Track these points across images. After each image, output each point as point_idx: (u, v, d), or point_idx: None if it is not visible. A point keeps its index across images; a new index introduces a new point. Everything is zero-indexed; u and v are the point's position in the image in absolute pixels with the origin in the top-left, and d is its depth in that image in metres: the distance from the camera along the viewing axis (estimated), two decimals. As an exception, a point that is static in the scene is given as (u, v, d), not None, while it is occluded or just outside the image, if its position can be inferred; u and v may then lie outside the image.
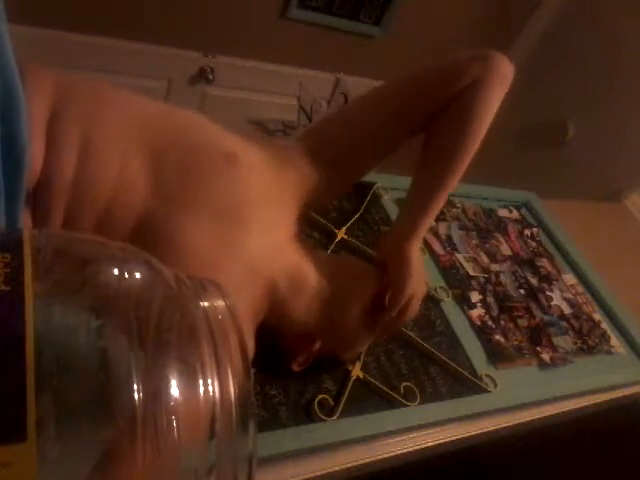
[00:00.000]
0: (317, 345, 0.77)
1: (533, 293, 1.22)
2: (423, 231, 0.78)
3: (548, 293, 1.25)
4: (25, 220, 0.53)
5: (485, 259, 1.24)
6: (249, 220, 0.66)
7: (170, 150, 0.62)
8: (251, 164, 0.69)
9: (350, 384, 0.84)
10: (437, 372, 0.95)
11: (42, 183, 0.54)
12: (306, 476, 0.75)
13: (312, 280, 0.75)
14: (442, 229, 1.25)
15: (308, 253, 0.76)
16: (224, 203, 0.65)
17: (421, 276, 0.81)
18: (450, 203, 1.34)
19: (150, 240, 0.58)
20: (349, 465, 0.79)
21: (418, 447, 0.86)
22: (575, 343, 1.15)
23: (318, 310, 0.75)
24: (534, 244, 1.38)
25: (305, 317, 0.75)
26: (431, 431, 0.88)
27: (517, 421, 0.98)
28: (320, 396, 0.80)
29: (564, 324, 1.18)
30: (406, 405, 0.86)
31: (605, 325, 1.25)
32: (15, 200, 0.50)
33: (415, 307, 0.80)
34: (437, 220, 1.25)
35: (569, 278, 1.33)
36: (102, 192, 0.57)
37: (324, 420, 0.78)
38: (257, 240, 0.67)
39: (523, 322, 1.13)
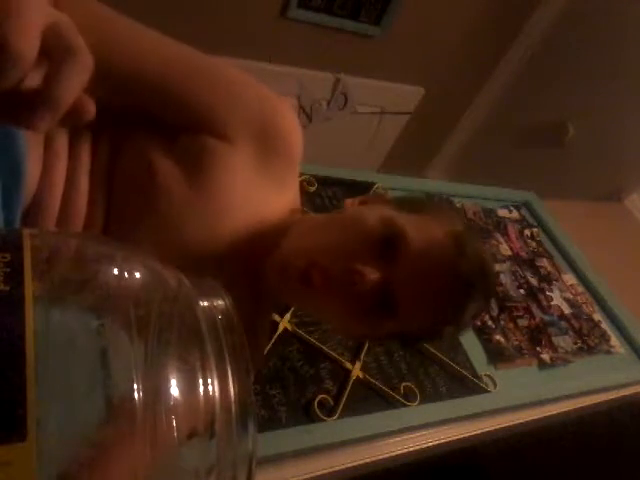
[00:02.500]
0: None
1: (533, 293, 1.22)
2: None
3: (548, 293, 1.24)
4: None
5: (485, 259, 1.24)
6: (180, 225, 0.62)
7: (117, 169, 0.63)
8: (167, 171, 0.62)
9: (350, 384, 0.84)
10: (437, 372, 0.95)
11: (36, 200, 0.56)
12: (306, 476, 0.75)
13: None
14: (442, 229, 1.26)
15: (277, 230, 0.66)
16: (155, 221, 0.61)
17: None
18: (450, 203, 1.34)
19: None
20: (349, 465, 0.79)
21: (418, 447, 0.86)
22: (575, 343, 1.15)
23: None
24: (534, 244, 1.38)
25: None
26: (431, 431, 0.88)
27: (517, 421, 0.98)
28: (320, 396, 0.80)
29: (564, 324, 1.18)
30: (406, 405, 0.86)
31: (605, 325, 1.25)
32: (14, 208, 0.51)
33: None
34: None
35: (569, 278, 1.33)
36: (78, 217, 0.60)
37: (324, 420, 0.78)
38: (195, 239, 0.62)
39: (523, 322, 1.13)
